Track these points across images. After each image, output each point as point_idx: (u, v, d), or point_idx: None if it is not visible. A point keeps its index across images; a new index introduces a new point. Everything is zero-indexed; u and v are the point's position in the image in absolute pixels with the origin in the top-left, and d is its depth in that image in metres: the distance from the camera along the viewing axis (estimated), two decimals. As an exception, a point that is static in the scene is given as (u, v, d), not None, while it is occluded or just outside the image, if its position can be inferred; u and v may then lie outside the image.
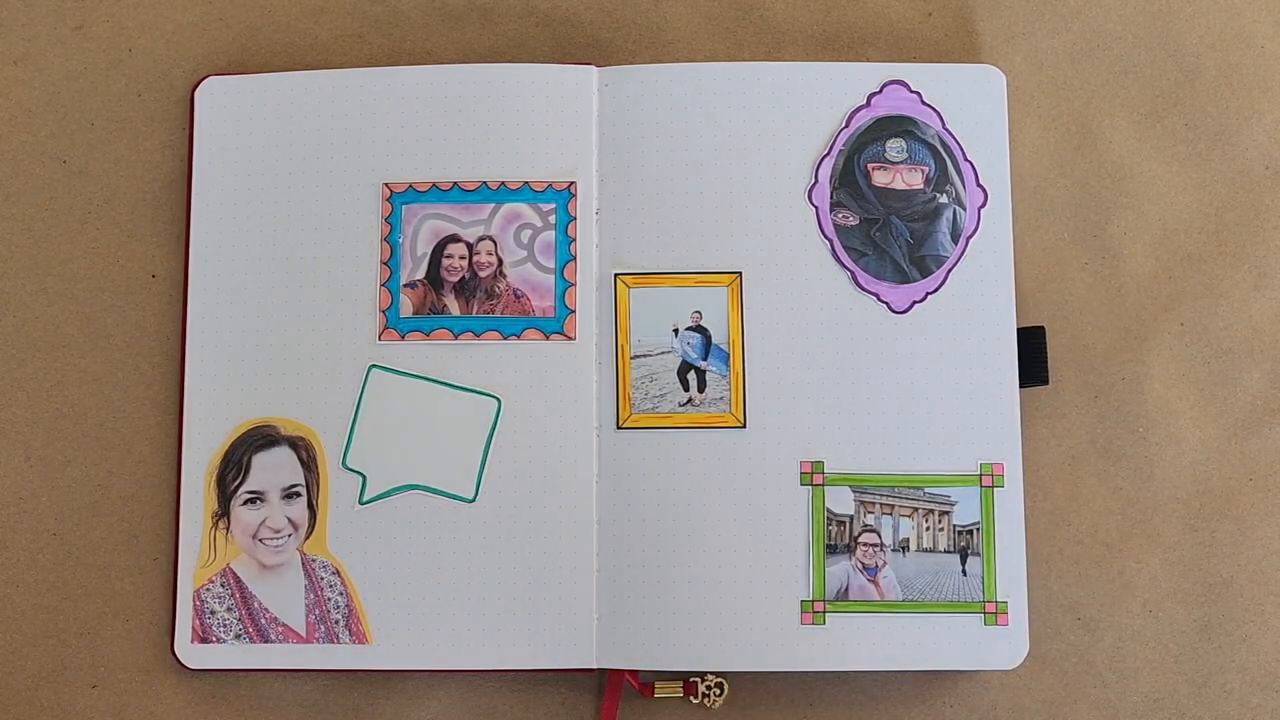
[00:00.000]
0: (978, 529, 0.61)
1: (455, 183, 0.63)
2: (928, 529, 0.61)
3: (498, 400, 0.61)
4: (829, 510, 0.61)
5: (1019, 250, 0.64)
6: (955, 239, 0.62)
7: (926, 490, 0.61)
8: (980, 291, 0.62)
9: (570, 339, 0.62)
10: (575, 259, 0.62)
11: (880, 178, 0.63)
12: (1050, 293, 0.65)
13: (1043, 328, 0.63)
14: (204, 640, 0.61)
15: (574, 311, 0.62)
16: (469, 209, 0.63)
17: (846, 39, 0.67)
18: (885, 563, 0.61)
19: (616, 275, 0.62)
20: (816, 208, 0.63)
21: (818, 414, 0.61)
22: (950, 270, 0.62)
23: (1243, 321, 0.65)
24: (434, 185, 0.63)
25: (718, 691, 0.62)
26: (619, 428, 0.61)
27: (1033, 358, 0.62)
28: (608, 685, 0.61)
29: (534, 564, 0.61)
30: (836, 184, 0.63)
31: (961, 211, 0.63)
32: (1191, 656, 0.63)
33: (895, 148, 0.63)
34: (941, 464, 0.61)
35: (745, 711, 0.62)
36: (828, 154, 0.63)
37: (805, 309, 0.62)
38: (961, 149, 0.63)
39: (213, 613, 0.61)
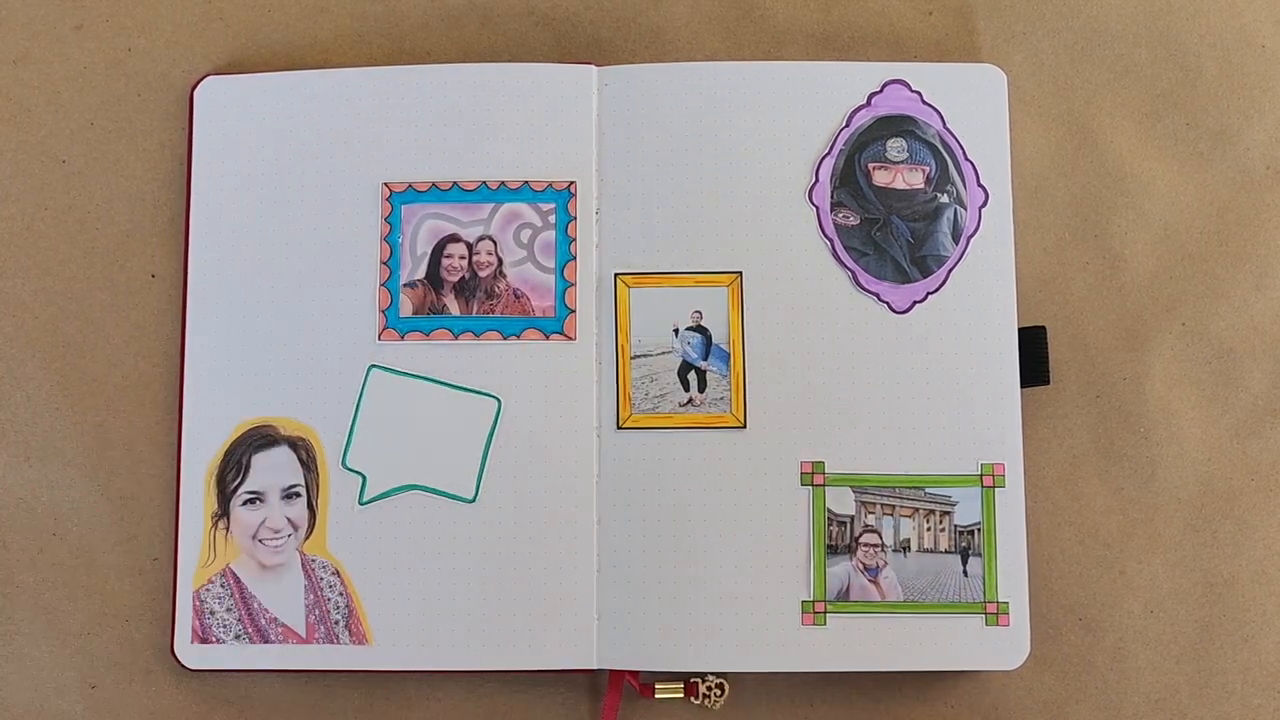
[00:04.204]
0: (979, 529, 0.61)
1: (455, 182, 0.63)
2: (929, 529, 0.61)
3: (497, 400, 0.61)
4: (830, 510, 0.61)
5: (1020, 250, 0.64)
6: (956, 239, 0.62)
7: (927, 490, 0.61)
8: (981, 291, 0.62)
9: (570, 339, 0.62)
10: (575, 259, 0.62)
11: (881, 177, 0.63)
12: (1051, 292, 0.65)
13: (1044, 327, 0.63)
14: (204, 640, 0.61)
15: (574, 311, 0.62)
16: (469, 209, 0.63)
17: (847, 38, 0.67)
18: (886, 563, 0.61)
19: (616, 275, 0.62)
20: (817, 207, 0.63)
21: (818, 414, 0.61)
22: (951, 270, 0.62)
23: (1244, 321, 0.65)
24: (434, 185, 0.63)
25: (718, 692, 0.62)
26: (619, 428, 0.61)
27: (1034, 357, 0.62)
28: (608, 686, 0.61)
29: (534, 564, 0.61)
30: (837, 183, 0.63)
31: (962, 211, 0.63)
32: (1193, 656, 0.63)
33: (896, 147, 0.63)
34: (942, 464, 0.61)
35: (746, 712, 0.62)
36: (828, 153, 0.63)
37: (805, 309, 0.62)
38: (962, 148, 0.63)
39: (212, 613, 0.61)
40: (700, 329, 0.62)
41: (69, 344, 0.64)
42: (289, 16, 0.67)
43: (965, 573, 0.61)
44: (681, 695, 0.62)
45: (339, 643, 0.60)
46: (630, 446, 0.61)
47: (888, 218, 0.63)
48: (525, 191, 0.63)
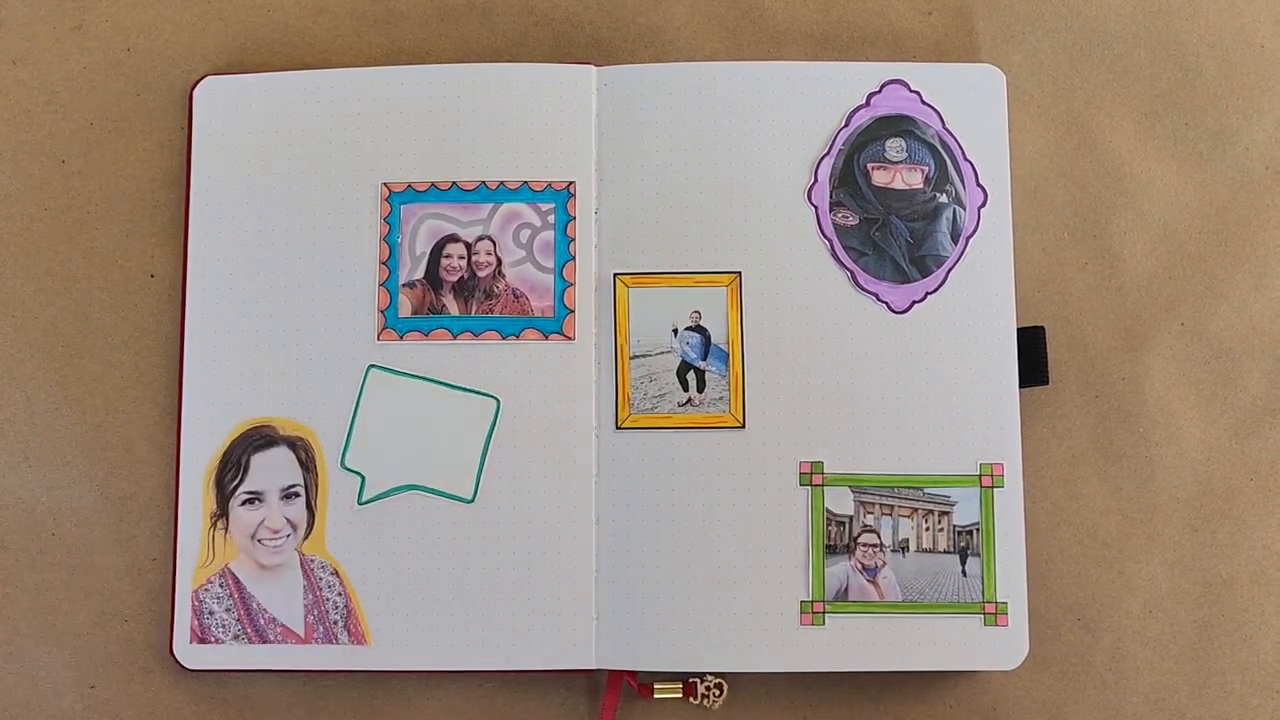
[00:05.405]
0: (977, 529, 0.61)
1: (454, 182, 0.63)
2: (927, 529, 0.61)
3: (497, 400, 0.61)
4: (828, 510, 0.61)
5: (1019, 250, 0.64)
6: (955, 239, 0.62)
7: (926, 490, 0.61)
8: (980, 291, 0.62)
9: (569, 339, 0.62)
10: (574, 259, 0.62)
11: (880, 177, 0.63)
12: (1050, 292, 0.65)
13: (1043, 328, 0.63)
14: (202, 641, 0.61)
15: (573, 311, 0.62)
16: (468, 209, 0.63)
17: (846, 38, 0.67)
18: (885, 563, 0.61)
19: (616, 275, 0.62)
20: (816, 207, 0.63)
21: (817, 414, 0.61)
22: (950, 270, 0.62)
23: (1243, 321, 0.65)
24: (433, 185, 0.63)
25: (717, 692, 0.62)
26: (618, 428, 0.61)
27: (1033, 357, 0.62)
28: (607, 686, 0.61)
29: (534, 564, 0.61)
30: (836, 183, 0.63)
31: (961, 211, 0.63)
32: (1191, 657, 0.63)
33: (895, 147, 0.63)
34: (941, 464, 0.61)
35: (745, 712, 0.62)
36: (827, 153, 0.63)
37: (805, 309, 0.62)
38: (961, 148, 0.63)
39: (211, 613, 0.61)
40: (699, 329, 0.62)
41: (69, 344, 0.64)
42: (289, 16, 0.67)
43: (964, 573, 0.61)
44: (680, 695, 0.62)
45: (338, 643, 0.60)
46: (629, 446, 0.61)
47: (887, 218, 0.63)
48: (524, 191, 0.63)
